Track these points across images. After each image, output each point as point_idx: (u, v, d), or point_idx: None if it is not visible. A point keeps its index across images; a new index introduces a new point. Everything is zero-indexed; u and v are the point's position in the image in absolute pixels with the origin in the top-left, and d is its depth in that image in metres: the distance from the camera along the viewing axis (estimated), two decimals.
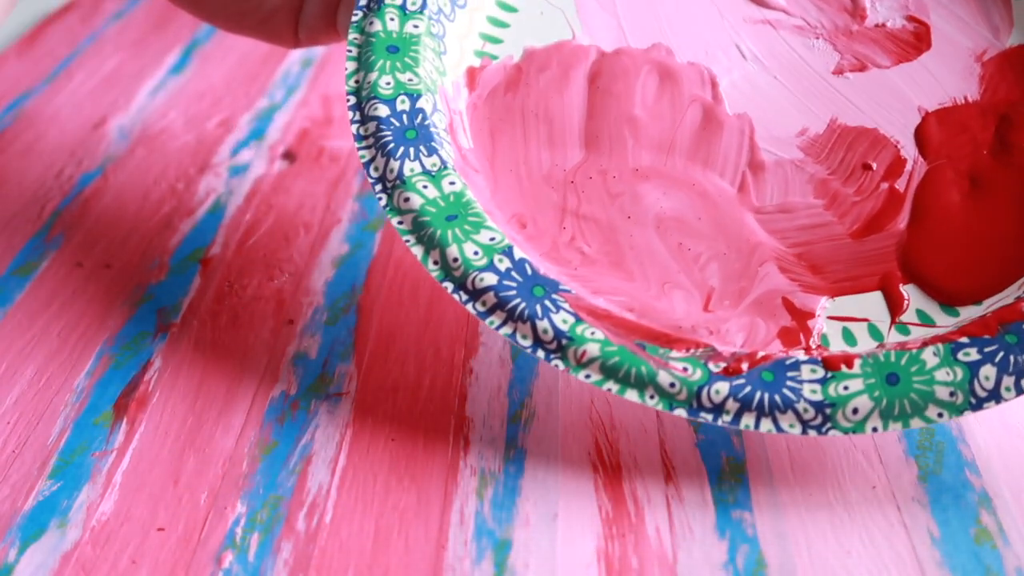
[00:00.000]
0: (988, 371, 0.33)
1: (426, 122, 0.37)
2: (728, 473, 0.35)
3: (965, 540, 0.32)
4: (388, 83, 0.37)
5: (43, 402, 0.38)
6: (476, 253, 0.35)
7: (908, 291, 0.36)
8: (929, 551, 0.32)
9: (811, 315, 0.36)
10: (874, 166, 0.38)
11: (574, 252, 0.37)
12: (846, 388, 0.33)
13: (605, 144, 0.39)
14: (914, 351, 0.34)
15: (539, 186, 0.38)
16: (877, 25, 0.40)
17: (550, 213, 0.38)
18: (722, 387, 0.33)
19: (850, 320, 0.36)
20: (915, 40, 0.40)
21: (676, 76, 0.39)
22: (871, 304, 0.36)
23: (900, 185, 0.38)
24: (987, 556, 0.32)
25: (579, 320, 0.34)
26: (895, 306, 0.36)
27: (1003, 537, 0.32)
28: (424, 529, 0.33)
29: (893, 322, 0.35)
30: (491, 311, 0.34)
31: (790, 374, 0.33)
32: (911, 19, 0.40)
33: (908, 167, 0.38)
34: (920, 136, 0.38)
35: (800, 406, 0.33)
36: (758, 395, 0.33)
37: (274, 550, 0.33)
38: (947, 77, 0.39)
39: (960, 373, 0.33)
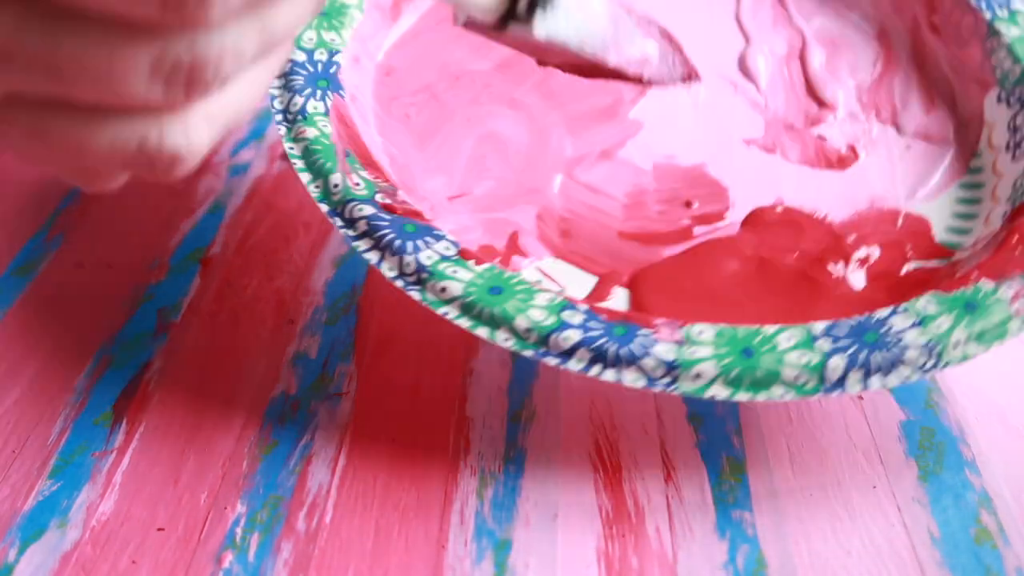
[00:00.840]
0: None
1: (338, 76, 0.40)
2: (728, 473, 0.35)
3: (965, 540, 0.32)
4: (311, 38, 0.41)
5: (43, 402, 0.38)
6: (358, 184, 0.36)
7: (616, 292, 0.37)
8: (929, 551, 0.32)
9: (524, 256, 0.37)
10: (695, 206, 0.39)
11: (403, 115, 0.41)
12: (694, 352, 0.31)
13: (515, 71, 0.42)
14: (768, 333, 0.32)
15: (437, 77, 0.42)
16: (819, 136, 0.41)
17: (425, 90, 0.42)
18: (572, 334, 0.32)
19: (547, 279, 0.37)
20: (836, 163, 0.41)
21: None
22: (576, 281, 0.37)
23: (699, 231, 0.38)
24: (987, 556, 0.32)
25: (443, 259, 0.34)
26: (599, 294, 0.37)
27: (1003, 537, 0.32)
28: (424, 529, 0.33)
29: (575, 302, 0.33)
30: (360, 237, 0.35)
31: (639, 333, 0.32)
32: (850, 147, 0.41)
33: (719, 224, 0.39)
34: (756, 212, 0.39)
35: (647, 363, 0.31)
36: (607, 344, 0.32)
37: (274, 550, 0.33)
38: (829, 197, 0.39)
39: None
